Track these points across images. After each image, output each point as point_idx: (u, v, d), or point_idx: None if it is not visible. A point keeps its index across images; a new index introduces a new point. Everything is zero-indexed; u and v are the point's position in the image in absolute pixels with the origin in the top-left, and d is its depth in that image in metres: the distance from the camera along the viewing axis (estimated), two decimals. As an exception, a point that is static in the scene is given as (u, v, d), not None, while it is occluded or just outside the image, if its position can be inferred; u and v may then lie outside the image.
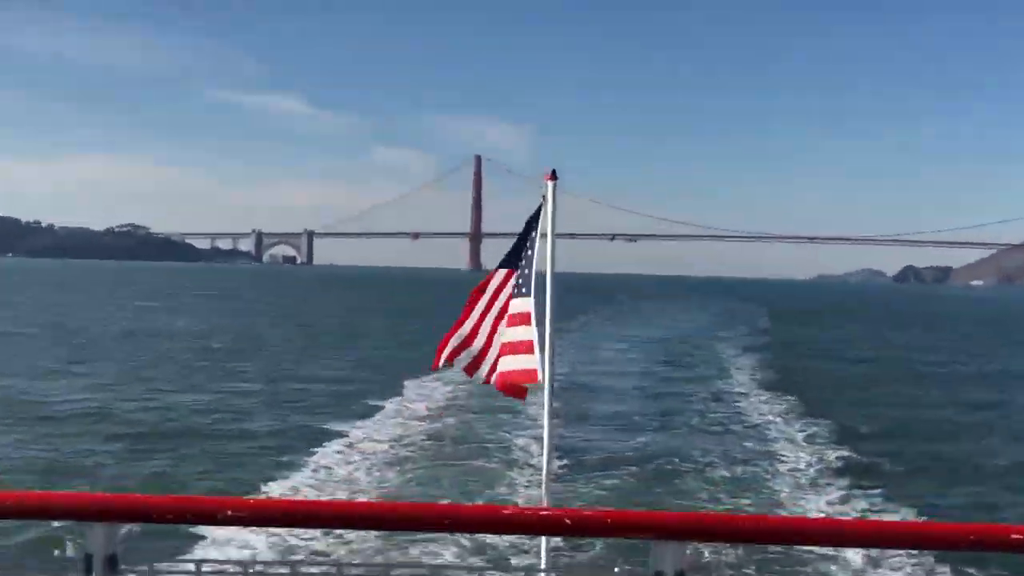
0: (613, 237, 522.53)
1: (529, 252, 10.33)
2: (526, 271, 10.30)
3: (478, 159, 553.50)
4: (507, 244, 10.75)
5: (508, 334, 10.24)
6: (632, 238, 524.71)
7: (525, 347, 10.09)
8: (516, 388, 10.46)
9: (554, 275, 10.09)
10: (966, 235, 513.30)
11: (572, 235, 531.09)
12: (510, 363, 10.20)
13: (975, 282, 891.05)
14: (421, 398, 35.99)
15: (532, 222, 10.58)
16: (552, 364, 9.93)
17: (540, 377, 10.02)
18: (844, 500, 22.90)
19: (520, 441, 28.27)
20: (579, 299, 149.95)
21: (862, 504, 22.72)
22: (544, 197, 10.31)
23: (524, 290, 10.24)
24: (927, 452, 30.62)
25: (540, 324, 9.87)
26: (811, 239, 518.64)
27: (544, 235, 10.23)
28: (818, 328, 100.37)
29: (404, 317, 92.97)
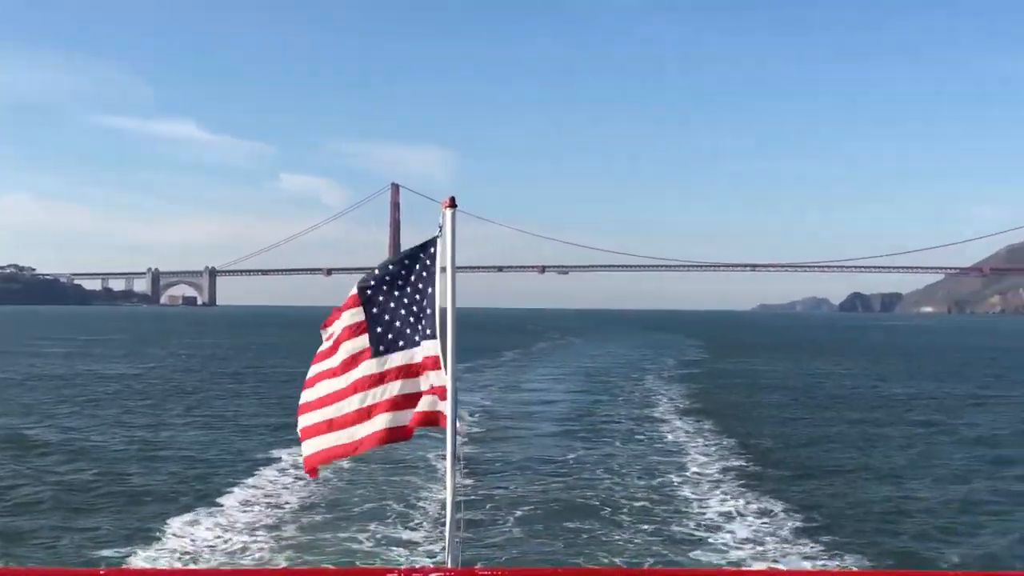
0: (544, 269, 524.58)
1: (429, 289, 9.85)
2: (428, 311, 9.85)
3: (395, 187, 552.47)
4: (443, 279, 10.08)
5: (410, 384, 9.89)
6: (564, 270, 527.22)
7: (430, 394, 9.86)
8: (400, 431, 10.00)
9: (455, 312, 9.74)
10: (915, 260, 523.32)
11: (500, 268, 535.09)
12: (409, 415, 9.92)
13: (925, 309, 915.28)
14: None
15: (419, 254, 9.98)
16: (455, 409, 9.70)
17: (445, 422, 9.88)
18: (760, 536, 23.27)
19: (422, 492, 27.04)
20: (503, 337, 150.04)
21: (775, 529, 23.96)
22: (441, 227, 9.85)
23: (428, 332, 9.84)
24: (822, 466, 33.44)
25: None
26: (753, 267, 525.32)
27: (443, 269, 9.81)
28: (748, 358, 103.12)
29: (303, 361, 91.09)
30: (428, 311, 9.84)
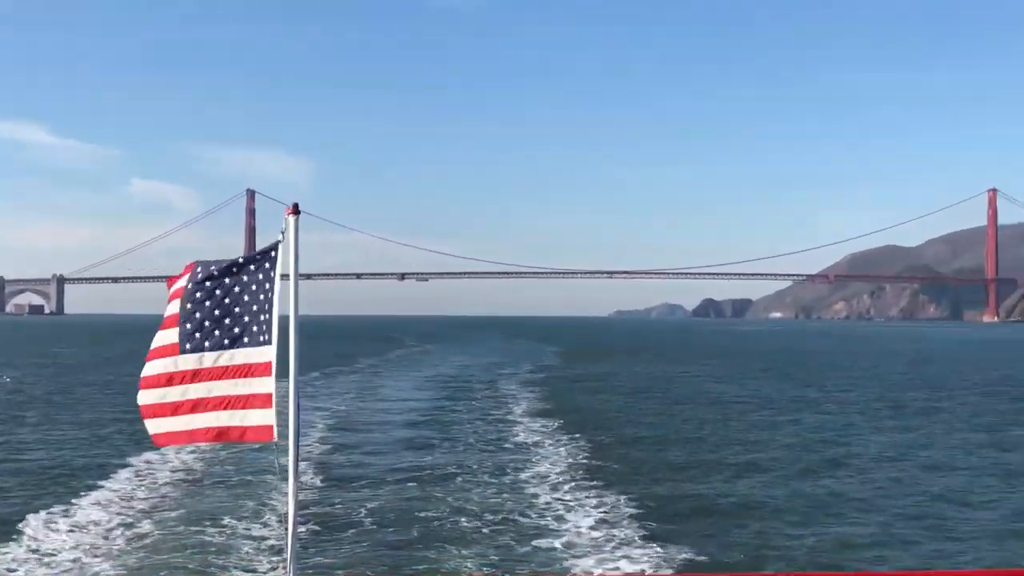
0: (403, 276, 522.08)
1: (267, 295, 9.72)
2: (264, 316, 9.69)
3: (250, 193, 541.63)
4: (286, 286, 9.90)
5: (241, 386, 9.71)
6: (424, 277, 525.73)
7: (261, 401, 9.62)
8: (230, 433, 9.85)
9: (298, 319, 9.62)
10: (764, 267, 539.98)
11: (359, 275, 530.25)
12: (240, 418, 9.71)
13: (774, 314, 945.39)
14: (154, 462, 33.58)
15: (261, 259, 9.83)
16: (297, 417, 9.55)
17: (276, 434, 9.62)
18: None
19: (270, 499, 26.60)
20: (360, 344, 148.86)
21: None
22: (283, 233, 9.73)
23: (263, 338, 9.69)
24: (661, 462, 34.86)
25: (284, 376, 9.45)
26: (610, 274, 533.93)
27: (285, 276, 9.70)
28: (599, 362, 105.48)
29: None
30: (264, 316, 9.70)
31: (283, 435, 9.65)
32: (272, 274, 9.76)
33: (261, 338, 9.70)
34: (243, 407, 9.71)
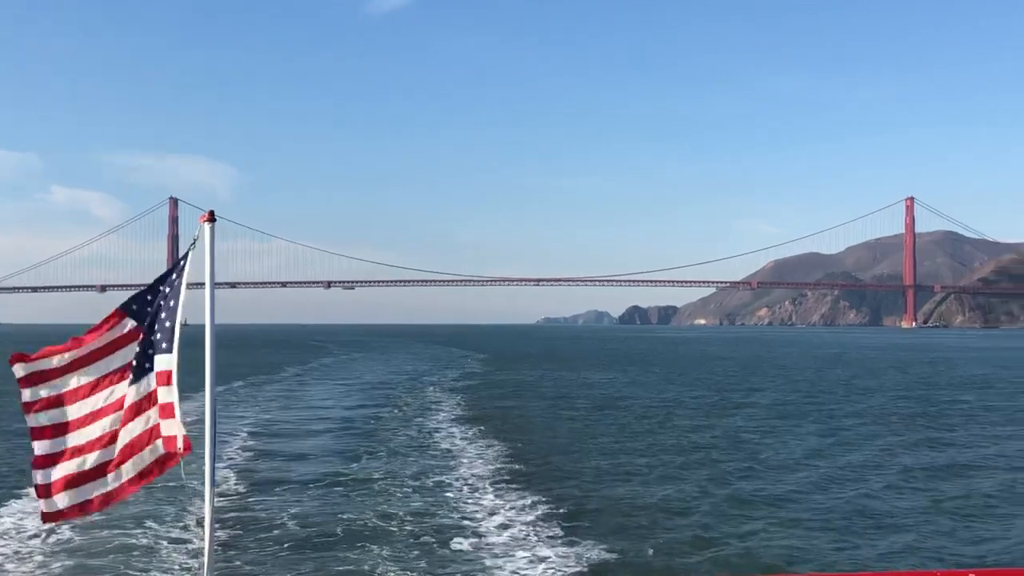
0: (329, 284, 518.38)
1: (172, 303, 9.60)
2: (167, 324, 9.56)
3: (173, 201, 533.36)
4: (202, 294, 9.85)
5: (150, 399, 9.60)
6: (350, 285, 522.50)
7: (165, 411, 9.51)
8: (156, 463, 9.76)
9: (214, 329, 9.51)
10: (688, 274, 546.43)
11: (284, 284, 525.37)
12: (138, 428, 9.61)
13: (699, 321, 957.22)
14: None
15: (176, 269, 9.76)
16: (214, 428, 9.47)
17: (180, 445, 9.47)
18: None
19: (187, 508, 26.52)
20: (286, 353, 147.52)
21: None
22: (197, 240, 9.66)
23: (165, 346, 9.53)
24: (577, 465, 35.38)
25: (197, 386, 9.56)
26: (537, 282, 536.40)
27: (200, 284, 9.63)
28: (523, 368, 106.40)
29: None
30: (167, 324, 9.62)
31: (200, 443, 9.64)
32: (178, 283, 9.67)
33: (165, 345, 9.59)
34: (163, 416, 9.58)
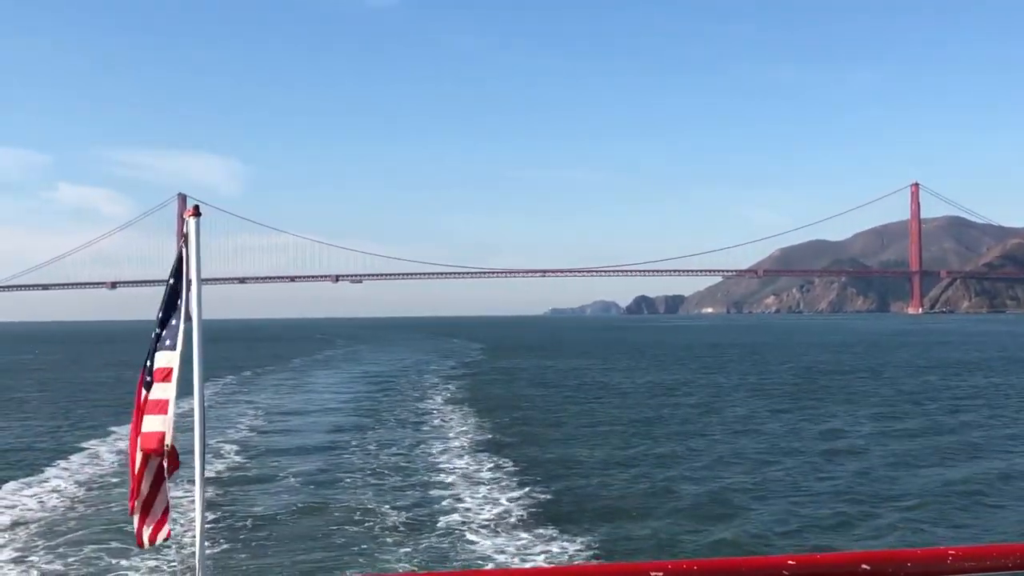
0: (337, 279, 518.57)
1: (178, 301, 9.54)
2: (173, 322, 9.54)
3: (182, 198, 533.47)
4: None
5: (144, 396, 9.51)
6: (358, 279, 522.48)
7: (159, 408, 9.39)
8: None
9: (201, 325, 9.34)
10: (695, 263, 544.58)
11: (292, 278, 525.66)
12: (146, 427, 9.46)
13: (706, 309, 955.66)
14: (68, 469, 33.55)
15: (178, 266, 9.65)
16: (203, 424, 9.39)
17: (168, 441, 9.31)
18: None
19: (179, 504, 26.59)
20: (292, 345, 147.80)
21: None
22: (186, 237, 9.50)
23: (168, 343, 9.50)
24: (575, 457, 35.12)
25: (187, 383, 9.25)
26: (543, 273, 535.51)
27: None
28: (525, 359, 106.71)
29: (65, 383, 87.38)
30: (172, 322, 9.58)
31: (190, 439, 9.56)
32: (181, 280, 9.59)
33: (169, 342, 9.58)
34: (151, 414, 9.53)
